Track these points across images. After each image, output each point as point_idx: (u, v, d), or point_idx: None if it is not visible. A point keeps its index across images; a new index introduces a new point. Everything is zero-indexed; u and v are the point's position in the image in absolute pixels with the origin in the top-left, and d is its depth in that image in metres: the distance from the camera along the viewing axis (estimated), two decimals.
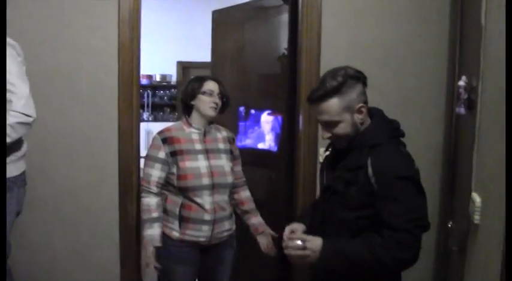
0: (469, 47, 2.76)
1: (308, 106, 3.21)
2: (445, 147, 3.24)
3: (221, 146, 2.95)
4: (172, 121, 8.34)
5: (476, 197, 2.10)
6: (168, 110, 8.86)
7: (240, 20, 4.01)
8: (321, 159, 3.30)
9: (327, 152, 2.36)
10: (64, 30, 3.22)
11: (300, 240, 2.02)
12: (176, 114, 8.70)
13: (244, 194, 3.13)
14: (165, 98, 8.85)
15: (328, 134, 2.10)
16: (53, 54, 3.22)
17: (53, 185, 3.28)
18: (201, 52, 8.21)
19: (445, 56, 3.30)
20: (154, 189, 2.82)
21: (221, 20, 4.11)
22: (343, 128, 2.06)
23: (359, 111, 2.04)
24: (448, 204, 3.08)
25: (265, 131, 3.92)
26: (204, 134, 2.89)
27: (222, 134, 3.02)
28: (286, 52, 3.69)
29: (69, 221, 3.33)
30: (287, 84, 3.58)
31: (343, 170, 2.09)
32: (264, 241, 3.05)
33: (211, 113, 2.85)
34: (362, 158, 2.01)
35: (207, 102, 2.84)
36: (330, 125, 2.07)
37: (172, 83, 8.76)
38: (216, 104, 2.86)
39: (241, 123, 4.01)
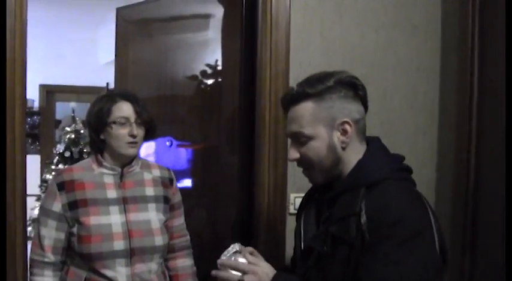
0: None
1: (274, 140, 2.42)
2: (445, 185, 2.53)
3: (149, 192, 2.15)
4: (33, 154, 7.41)
5: None
6: (29, 140, 7.81)
7: (155, 28, 3.17)
8: (292, 209, 2.47)
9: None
10: None
11: (238, 271, 1.56)
12: (38, 145, 7.79)
13: (183, 263, 2.29)
14: (26, 127, 7.58)
15: (296, 155, 1.58)
16: None
17: None
18: (70, 73, 7.53)
19: (437, 71, 2.61)
20: (51, 257, 2.05)
21: (131, 22, 3.15)
22: (315, 149, 1.54)
23: (342, 129, 1.54)
24: (461, 260, 2.32)
25: None
26: (122, 176, 2.10)
27: (153, 173, 2.21)
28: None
29: None
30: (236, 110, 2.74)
31: (328, 222, 1.53)
32: None
33: (128, 151, 2.08)
34: (355, 203, 1.46)
35: (120, 136, 2.05)
36: (298, 140, 1.57)
37: (34, 109, 7.91)
38: (134, 137, 2.05)
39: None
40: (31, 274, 2.06)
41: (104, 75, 7.57)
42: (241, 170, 2.70)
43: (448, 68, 2.56)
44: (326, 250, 1.50)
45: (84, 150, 6.68)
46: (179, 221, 2.29)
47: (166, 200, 2.18)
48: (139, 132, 2.06)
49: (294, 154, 1.59)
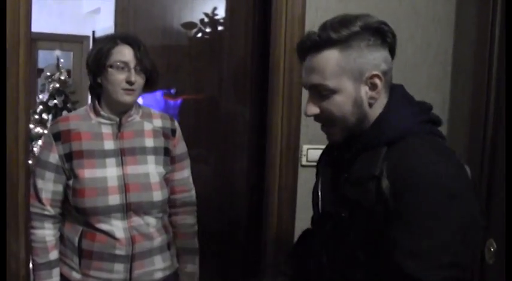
0: None
1: (288, 89, 2.33)
2: (457, 141, 2.46)
3: (149, 143, 2.02)
4: None
5: None
6: None
7: None
8: (304, 160, 2.41)
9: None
10: None
11: None
12: None
13: (183, 220, 2.18)
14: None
15: (315, 110, 1.36)
16: None
17: None
18: (52, 21, 7.25)
19: (452, 21, 2.55)
20: (50, 210, 1.97)
21: None
22: (339, 103, 1.33)
23: (371, 83, 1.33)
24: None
25: None
26: (120, 126, 1.99)
27: (154, 124, 2.07)
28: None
29: None
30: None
31: (347, 185, 1.37)
32: None
33: (124, 98, 1.93)
34: (374, 164, 1.29)
35: (117, 81, 1.91)
36: (319, 93, 1.34)
37: None
38: (132, 84, 1.90)
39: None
40: (31, 227, 2.01)
41: (86, 25, 7.36)
42: (252, 121, 2.62)
43: (464, 18, 2.49)
44: (344, 216, 1.37)
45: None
46: (182, 174, 2.15)
47: (166, 152, 2.06)
48: (138, 79, 1.93)
49: (313, 109, 1.37)
